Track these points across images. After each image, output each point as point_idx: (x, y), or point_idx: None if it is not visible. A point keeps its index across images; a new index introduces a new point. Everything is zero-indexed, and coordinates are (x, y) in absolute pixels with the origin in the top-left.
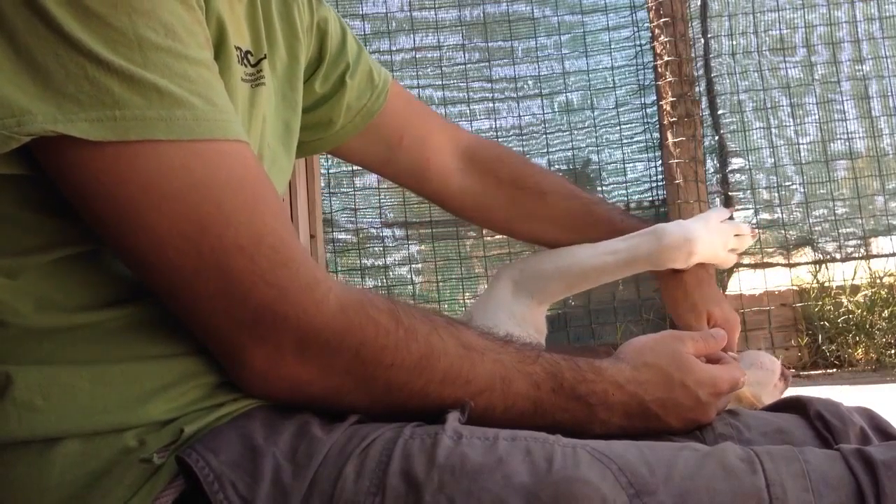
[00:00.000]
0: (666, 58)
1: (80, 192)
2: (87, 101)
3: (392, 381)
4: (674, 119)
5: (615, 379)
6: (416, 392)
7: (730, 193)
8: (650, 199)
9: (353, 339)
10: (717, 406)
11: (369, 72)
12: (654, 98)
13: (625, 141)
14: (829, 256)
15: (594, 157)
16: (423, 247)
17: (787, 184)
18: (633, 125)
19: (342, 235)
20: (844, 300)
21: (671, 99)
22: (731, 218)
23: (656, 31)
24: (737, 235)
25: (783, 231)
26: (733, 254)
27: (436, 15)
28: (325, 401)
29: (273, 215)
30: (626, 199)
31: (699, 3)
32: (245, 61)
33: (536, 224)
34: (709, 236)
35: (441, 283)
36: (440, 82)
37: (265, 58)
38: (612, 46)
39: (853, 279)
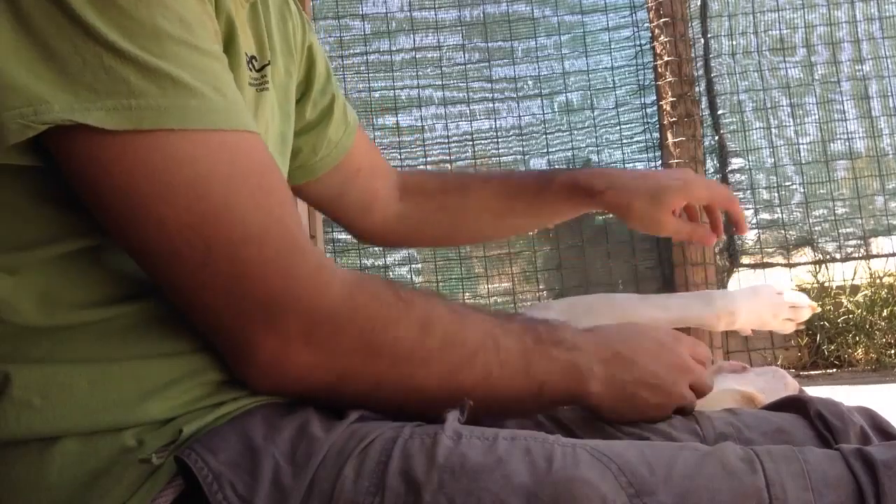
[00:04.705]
0: (666, 58)
1: (90, 182)
2: (103, 89)
3: (397, 353)
4: (674, 119)
5: (578, 331)
6: (418, 362)
7: None
8: None
9: (359, 316)
10: (693, 374)
11: (344, 106)
12: (654, 98)
13: (625, 141)
14: (829, 256)
15: (594, 157)
16: None
17: (787, 184)
18: (633, 125)
19: (342, 235)
20: (844, 300)
21: (671, 99)
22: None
23: (656, 31)
24: (793, 307)
25: (783, 231)
26: (790, 322)
27: (436, 15)
28: (330, 387)
29: (280, 205)
30: None
31: (699, 3)
32: (251, 65)
33: (468, 218)
34: (753, 307)
35: (441, 283)
36: (440, 82)
37: (269, 64)
38: (612, 46)
39: (853, 279)
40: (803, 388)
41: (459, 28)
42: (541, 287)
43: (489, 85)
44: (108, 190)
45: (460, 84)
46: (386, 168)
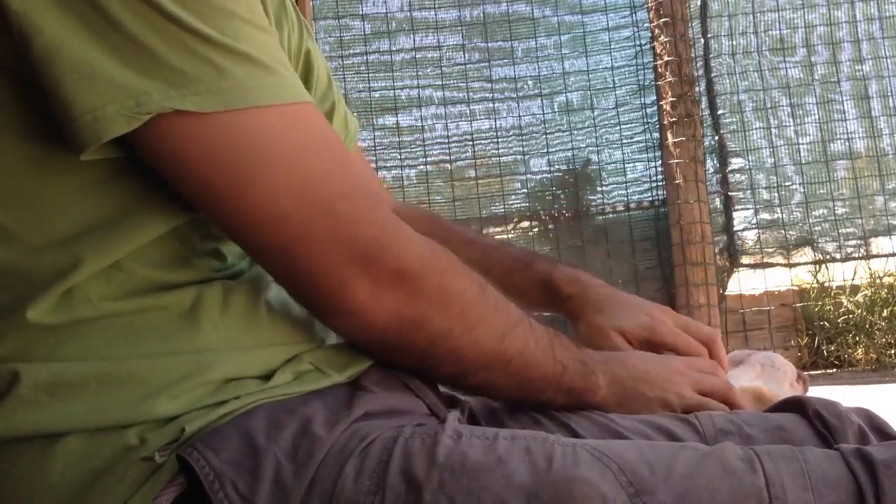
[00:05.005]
0: (666, 58)
1: (187, 164)
2: (194, 73)
3: (465, 303)
4: (674, 119)
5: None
6: (479, 317)
7: (730, 193)
8: (650, 199)
9: (437, 264)
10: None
11: (345, 116)
12: (654, 98)
13: (625, 141)
14: (829, 256)
15: (594, 157)
16: None
17: (787, 184)
18: (633, 125)
19: None
20: (844, 300)
21: (671, 99)
22: None
23: (656, 31)
24: None
25: (783, 231)
26: None
27: (436, 15)
28: (407, 333)
29: (354, 165)
30: (626, 199)
31: (699, 3)
32: None
33: None
34: None
35: None
36: (440, 82)
37: None
38: (612, 46)
39: (853, 279)
40: (808, 381)
41: (459, 28)
42: None
43: (489, 85)
44: (210, 168)
45: (460, 84)
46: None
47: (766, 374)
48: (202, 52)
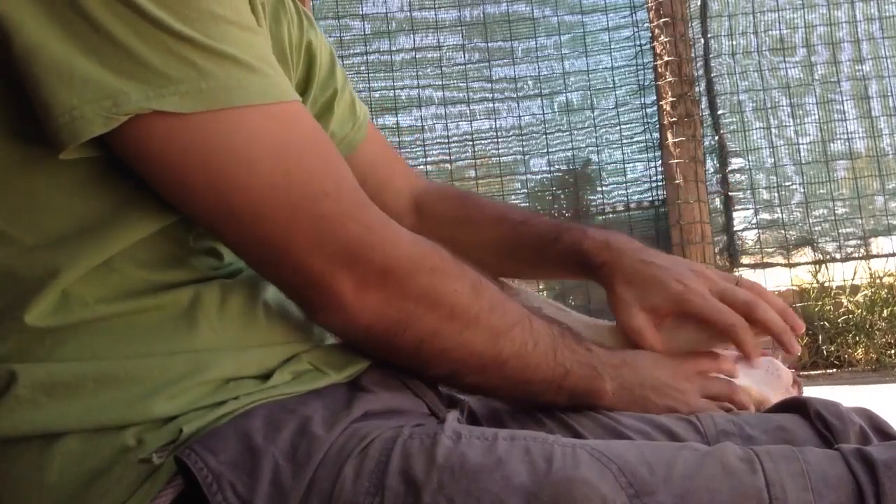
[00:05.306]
0: (666, 58)
1: (167, 165)
2: (174, 74)
3: (454, 305)
4: (674, 119)
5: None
6: (470, 318)
7: (730, 193)
8: (650, 199)
9: (427, 263)
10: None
11: (352, 102)
12: (654, 98)
13: (625, 141)
14: (829, 256)
15: (594, 157)
16: None
17: (787, 184)
18: (633, 125)
19: None
20: (844, 300)
21: (671, 99)
22: None
23: (656, 31)
24: None
25: (783, 231)
26: None
27: (436, 15)
28: (392, 332)
29: (341, 164)
30: (626, 199)
31: (699, 3)
32: None
33: (475, 253)
34: None
35: None
36: (440, 82)
37: None
38: (612, 46)
39: (853, 279)
40: (802, 386)
41: (459, 28)
42: (540, 287)
43: (489, 85)
44: (191, 169)
45: (460, 84)
46: (401, 184)
47: (764, 378)
48: (183, 54)
